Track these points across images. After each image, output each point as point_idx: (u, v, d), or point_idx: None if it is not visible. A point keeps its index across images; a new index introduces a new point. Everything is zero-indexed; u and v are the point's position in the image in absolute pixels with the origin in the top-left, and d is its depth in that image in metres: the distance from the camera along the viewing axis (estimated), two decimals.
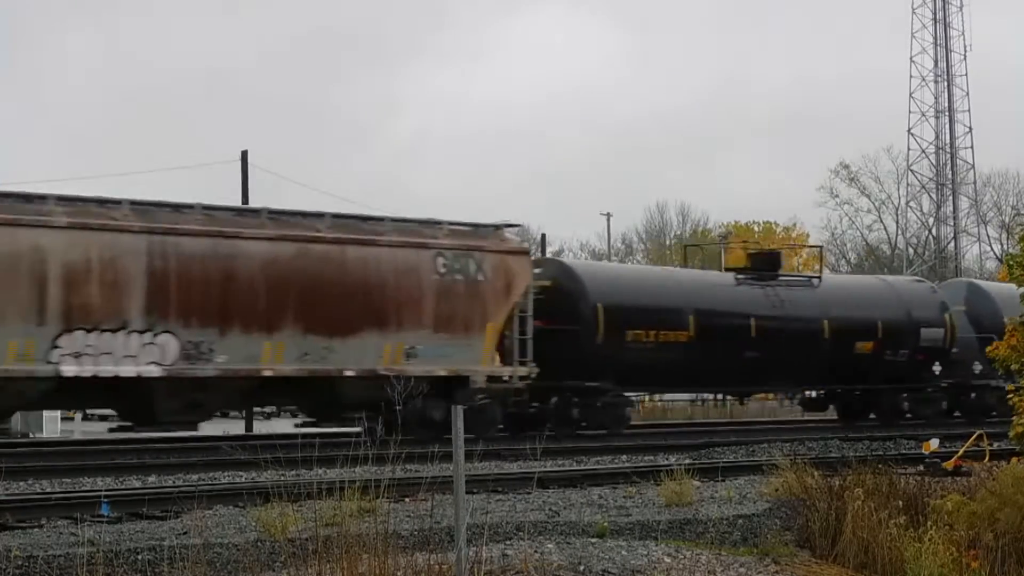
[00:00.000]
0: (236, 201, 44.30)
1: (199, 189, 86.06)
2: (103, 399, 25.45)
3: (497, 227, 29.34)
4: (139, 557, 11.92)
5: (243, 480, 18.55)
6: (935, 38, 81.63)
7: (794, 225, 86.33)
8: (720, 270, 37.86)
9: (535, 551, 12.74)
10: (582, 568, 12.62)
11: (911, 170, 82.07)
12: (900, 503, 15.36)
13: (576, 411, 29.77)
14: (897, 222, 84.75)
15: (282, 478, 14.72)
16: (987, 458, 21.64)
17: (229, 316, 24.82)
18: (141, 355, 23.88)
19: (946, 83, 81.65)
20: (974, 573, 13.98)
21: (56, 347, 23.08)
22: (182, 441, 26.39)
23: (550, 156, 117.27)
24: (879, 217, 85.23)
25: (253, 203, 44.10)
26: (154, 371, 24.03)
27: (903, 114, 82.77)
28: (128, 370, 23.76)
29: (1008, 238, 76.28)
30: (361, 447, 12.15)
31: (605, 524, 14.38)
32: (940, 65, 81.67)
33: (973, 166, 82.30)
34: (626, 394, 31.17)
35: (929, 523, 14.72)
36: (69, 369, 23.19)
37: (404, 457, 12.53)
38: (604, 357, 29.71)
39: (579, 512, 15.49)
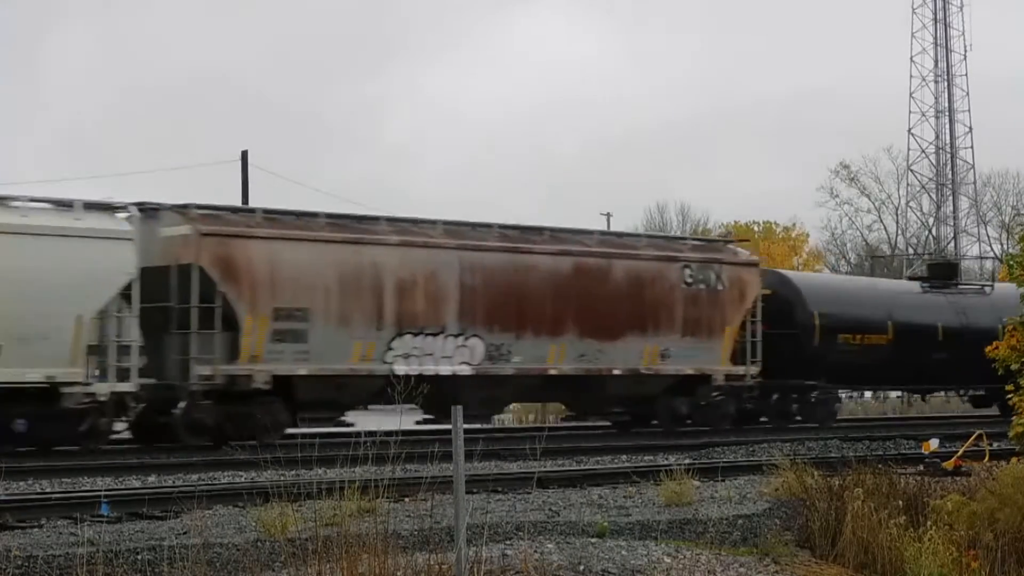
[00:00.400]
0: (236, 201, 44.43)
1: (199, 189, 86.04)
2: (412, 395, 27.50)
3: (728, 241, 34.57)
4: (139, 557, 11.92)
5: (243, 480, 18.54)
6: (935, 38, 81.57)
7: (794, 225, 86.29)
8: None
9: (535, 551, 12.74)
10: (582, 568, 12.62)
11: (911, 170, 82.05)
12: (900, 503, 15.37)
13: (795, 406, 33.32)
14: (897, 222, 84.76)
15: (282, 478, 14.72)
16: (987, 458, 21.63)
17: (523, 322, 28.47)
18: (455, 356, 27.51)
19: (946, 83, 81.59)
20: (974, 573, 13.98)
21: (390, 349, 26.64)
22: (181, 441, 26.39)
23: (549, 155, 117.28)
24: (879, 217, 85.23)
25: (253, 203, 44.22)
26: (465, 370, 27.64)
27: (903, 114, 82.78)
28: (446, 369, 27.29)
29: (1008, 238, 76.21)
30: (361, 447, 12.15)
31: (605, 524, 14.38)
32: (940, 65, 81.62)
33: (973, 166, 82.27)
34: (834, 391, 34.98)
35: (929, 523, 14.73)
36: (400, 368, 26.34)
37: (404, 457, 12.53)
38: (818, 358, 33.24)
39: (579, 512, 15.49)
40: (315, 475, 15.03)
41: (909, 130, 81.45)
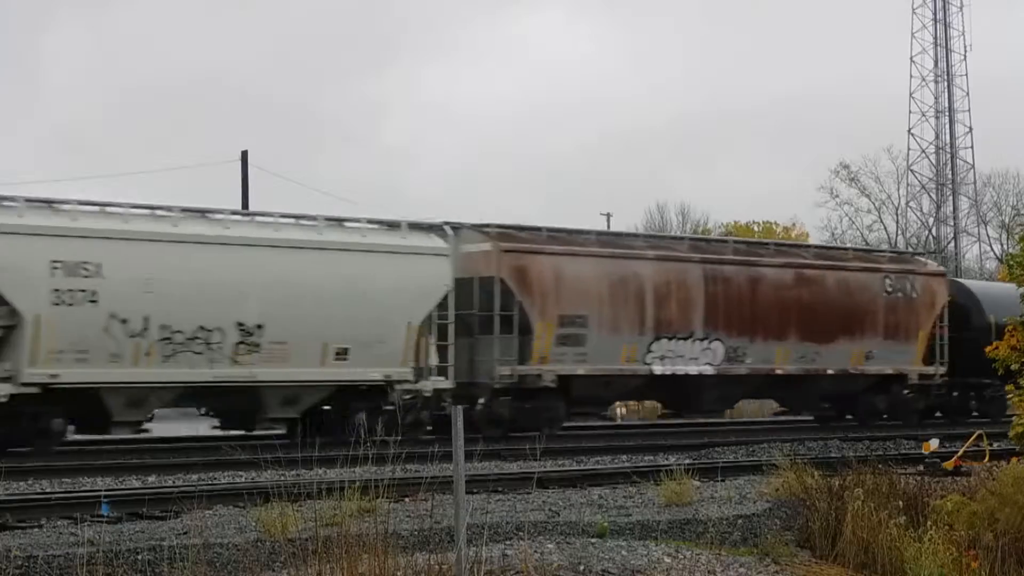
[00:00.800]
0: (236, 202, 44.39)
1: (199, 189, 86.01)
2: (663, 393, 32.18)
3: (918, 254, 39.92)
4: (139, 557, 11.92)
5: (243, 480, 18.55)
6: (935, 38, 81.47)
7: (794, 225, 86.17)
8: None
9: (535, 551, 12.74)
10: (582, 568, 12.63)
11: (911, 170, 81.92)
12: (900, 503, 15.37)
13: (973, 403, 36.52)
14: (897, 222, 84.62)
15: (282, 478, 14.72)
16: (987, 458, 21.64)
17: (755, 327, 31.89)
18: (700, 357, 30.92)
19: (946, 83, 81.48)
20: (974, 573, 13.98)
21: (650, 351, 30.11)
22: (182, 441, 26.42)
23: (549, 155, 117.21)
24: (879, 217, 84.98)
25: (253, 204, 44.25)
26: (708, 370, 31.08)
27: (903, 114, 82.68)
28: (693, 369, 30.82)
29: (1008, 238, 76.12)
30: (361, 448, 12.15)
31: (605, 524, 14.38)
32: (940, 65, 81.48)
33: (973, 166, 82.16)
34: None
35: (929, 523, 14.73)
36: (658, 368, 30.23)
37: (404, 457, 12.53)
38: (993, 359, 35.18)
39: (579, 512, 15.49)
40: (315, 475, 15.04)
41: (909, 130, 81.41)
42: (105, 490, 16.58)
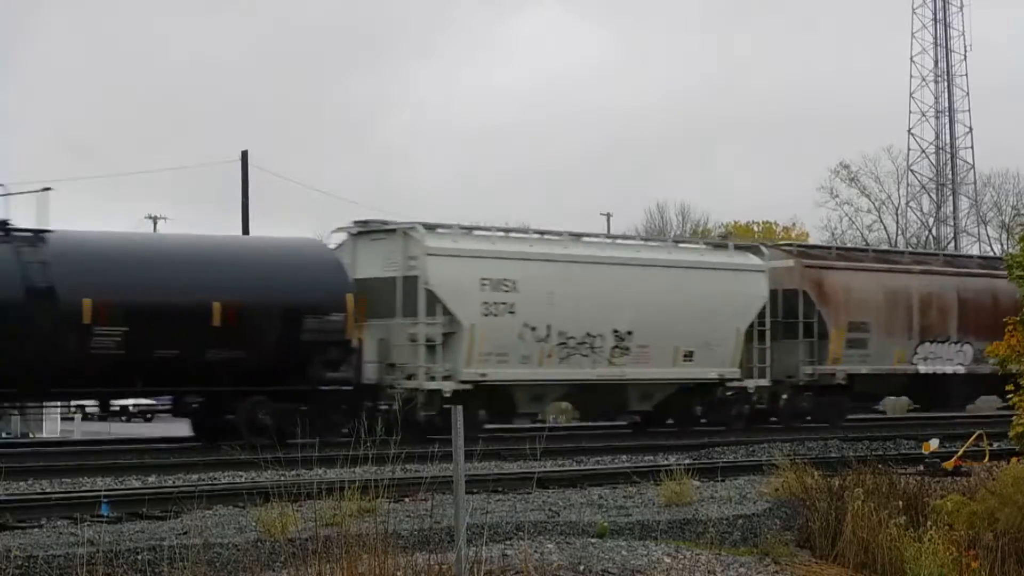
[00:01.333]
0: (236, 201, 44.42)
1: (199, 190, 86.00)
2: (920, 389, 36.68)
3: None
4: (139, 557, 11.92)
5: (243, 480, 18.54)
6: (935, 38, 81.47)
7: (794, 225, 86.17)
8: None
9: (535, 551, 12.74)
10: (582, 568, 12.63)
11: (911, 170, 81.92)
12: (900, 503, 15.38)
13: None
14: (897, 222, 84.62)
15: (282, 478, 14.72)
16: (987, 458, 21.64)
17: (995, 332, 36.76)
18: (954, 359, 35.82)
19: (946, 83, 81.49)
20: (974, 573, 13.99)
21: (916, 353, 35.14)
22: (182, 441, 26.42)
23: (548, 156, 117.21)
24: (879, 217, 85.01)
25: (253, 204, 44.28)
26: (960, 370, 35.97)
27: (903, 114, 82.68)
28: (948, 368, 35.70)
29: (1008, 238, 76.11)
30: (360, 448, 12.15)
31: (605, 524, 14.38)
32: (940, 65, 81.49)
33: (973, 166, 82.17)
34: None
35: (929, 523, 14.75)
36: (923, 368, 35.22)
37: (404, 457, 12.54)
38: None
39: (579, 512, 15.48)
40: (315, 475, 15.04)
41: (909, 130, 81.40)
42: (105, 490, 16.58)
